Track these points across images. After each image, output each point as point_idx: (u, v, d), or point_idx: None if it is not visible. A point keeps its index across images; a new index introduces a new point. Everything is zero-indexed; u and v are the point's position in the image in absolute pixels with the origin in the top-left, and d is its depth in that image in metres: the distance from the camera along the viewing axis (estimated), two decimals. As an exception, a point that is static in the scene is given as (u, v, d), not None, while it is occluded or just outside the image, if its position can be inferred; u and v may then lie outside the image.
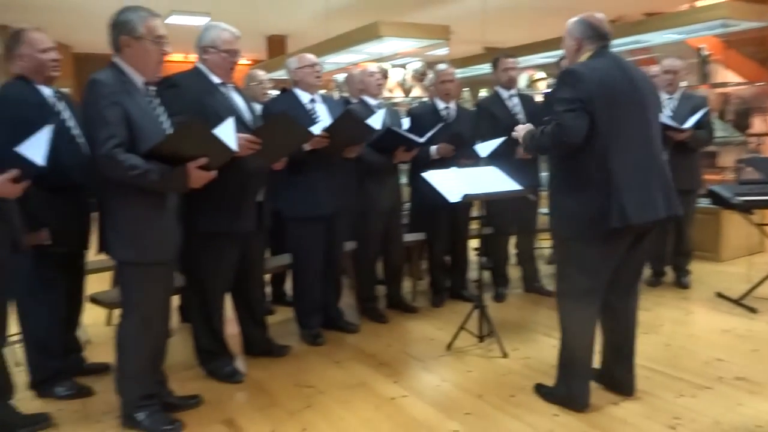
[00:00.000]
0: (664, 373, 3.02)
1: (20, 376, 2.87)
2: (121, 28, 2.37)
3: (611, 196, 2.37)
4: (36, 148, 2.15)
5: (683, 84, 4.55)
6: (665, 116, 4.14)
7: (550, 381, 2.77)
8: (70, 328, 3.08)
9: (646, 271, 4.59)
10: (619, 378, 2.75)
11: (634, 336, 2.71)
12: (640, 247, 2.59)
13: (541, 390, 2.80)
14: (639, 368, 2.80)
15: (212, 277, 2.98)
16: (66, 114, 2.77)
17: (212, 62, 2.92)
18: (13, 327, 2.59)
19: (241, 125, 2.88)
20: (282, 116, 2.92)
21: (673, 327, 3.72)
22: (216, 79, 2.93)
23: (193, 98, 2.79)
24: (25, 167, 2.12)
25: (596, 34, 2.53)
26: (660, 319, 3.86)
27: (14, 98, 2.65)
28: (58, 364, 2.91)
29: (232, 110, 2.89)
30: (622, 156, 2.39)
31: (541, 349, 3.38)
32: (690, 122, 4.09)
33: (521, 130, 2.75)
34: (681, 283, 4.53)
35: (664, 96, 4.37)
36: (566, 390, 2.64)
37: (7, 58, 2.75)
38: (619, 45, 5.71)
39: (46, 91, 2.77)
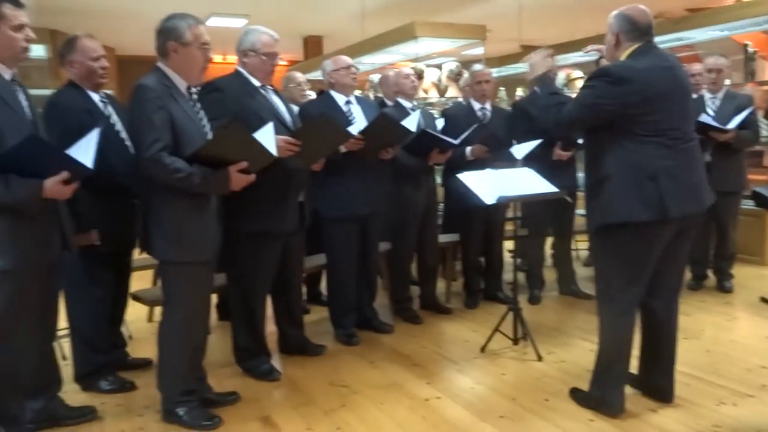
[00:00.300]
0: (704, 379, 2.96)
1: (66, 369, 2.97)
2: (168, 34, 2.44)
3: (649, 189, 2.35)
4: (85, 151, 2.23)
5: (727, 82, 4.43)
6: (708, 116, 4.04)
7: (585, 385, 2.74)
8: (115, 324, 3.19)
9: (687, 275, 4.49)
10: (658, 384, 2.70)
11: (675, 341, 2.66)
12: (681, 247, 2.54)
13: (576, 394, 2.78)
14: (678, 374, 2.75)
15: (255, 277, 3.04)
16: (113, 117, 2.88)
17: (252, 65, 2.97)
18: (61, 322, 2.69)
19: (282, 127, 2.94)
20: (321, 117, 2.96)
21: (715, 332, 3.64)
22: (256, 82, 2.98)
23: (235, 101, 2.85)
24: (74, 169, 2.20)
25: (635, 29, 2.45)
26: (701, 324, 3.78)
27: (65, 104, 2.78)
28: (103, 358, 3.01)
29: (272, 112, 2.94)
30: (662, 153, 2.37)
31: (577, 352, 3.35)
32: (734, 122, 3.98)
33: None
34: (723, 287, 4.42)
35: (707, 95, 4.27)
36: (601, 394, 2.61)
37: (61, 64, 2.89)
38: (660, 42, 5.56)
39: (95, 96, 2.88)
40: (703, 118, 3.92)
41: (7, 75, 2.24)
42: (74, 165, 2.19)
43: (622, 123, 2.39)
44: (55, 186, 2.18)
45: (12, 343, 2.26)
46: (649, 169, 2.37)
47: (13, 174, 2.11)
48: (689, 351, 3.27)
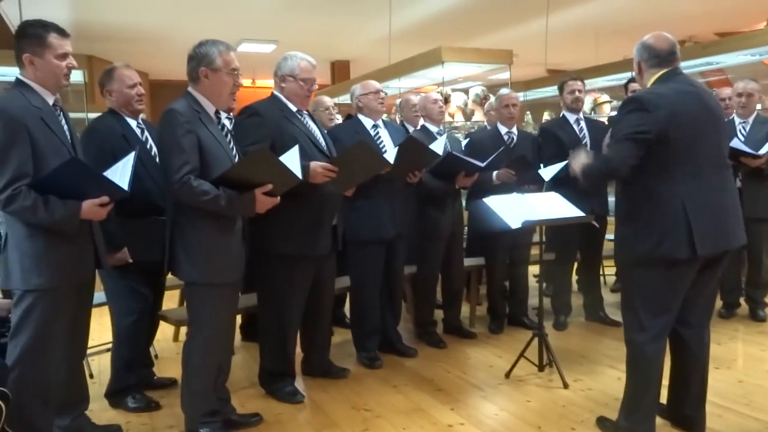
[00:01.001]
0: (737, 411, 2.87)
1: (93, 387, 3.01)
2: (200, 60, 2.51)
3: (679, 224, 2.30)
4: (121, 174, 2.30)
5: (758, 107, 4.37)
6: (738, 141, 3.98)
7: (613, 414, 2.68)
8: (147, 343, 3.23)
9: (719, 303, 4.39)
10: (689, 415, 2.63)
11: (706, 371, 2.59)
12: (711, 277, 2.49)
13: (603, 423, 2.71)
14: (710, 405, 2.67)
15: (288, 300, 3.05)
16: (150, 142, 2.98)
17: (290, 90, 3.03)
18: (89, 340, 2.74)
19: (317, 152, 2.99)
20: (361, 145, 3.00)
21: (748, 362, 3.53)
22: (293, 107, 3.04)
23: (274, 125, 2.91)
24: (111, 192, 2.27)
25: (654, 56, 2.44)
26: (733, 353, 3.67)
27: (102, 130, 2.91)
28: (133, 378, 3.06)
29: (309, 137, 3.00)
30: (693, 183, 2.33)
31: (604, 380, 3.28)
32: (765, 148, 3.91)
33: (577, 166, 2.60)
34: (756, 315, 4.30)
35: (737, 120, 4.21)
36: (629, 425, 2.54)
37: (101, 93, 3.04)
38: (689, 67, 5.54)
39: (132, 123, 3.00)
40: (735, 143, 3.87)
41: (50, 100, 2.33)
42: (112, 187, 2.26)
43: (653, 151, 2.34)
44: (92, 207, 2.25)
45: (45, 360, 2.30)
46: (676, 200, 2.31)
47: (53, 195, 2.19)
48: (721, 381, 3.18)
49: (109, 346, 3.19)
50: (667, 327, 2.46)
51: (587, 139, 4.01)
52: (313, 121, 3.16)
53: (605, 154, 2.48)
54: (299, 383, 3.26)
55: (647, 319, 2.44)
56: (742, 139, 4.07)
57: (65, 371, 2.45)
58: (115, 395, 3.04)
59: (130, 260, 2.83)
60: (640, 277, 2.44)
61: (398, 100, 7.11)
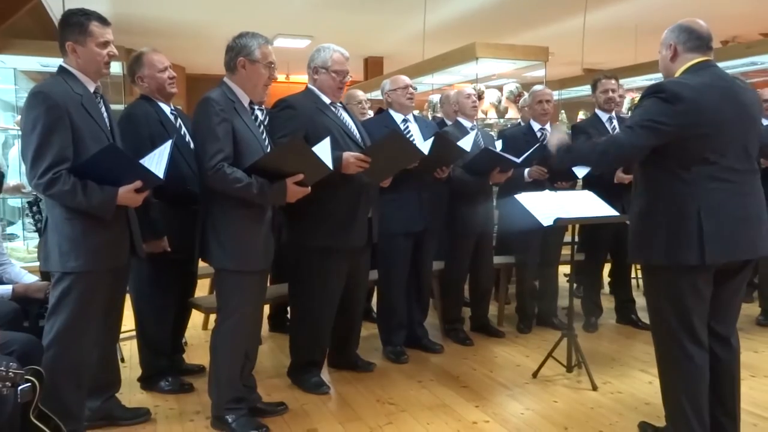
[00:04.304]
0: (773, 421, 2.78)
1: (124, 372, 3.07)
2: (239, 50, 2.54)
3: (691, 229, 2.18)
4: (158, 162, 2.34)
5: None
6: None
7: (641, 418, 2.64)
8: (179, 331, 3.30)
9: (757, 310, 4.26)
10: (722, 423, 2.53)
11: (736, 380, 2.46)
12: (736, 282, 2.36)
13: (645, 429, 2.63)
14: (744, 413, 2.59)
15: (323, 292, 3.05)
16: (183, 129, 3.01)
17: (322, 82, 3.04)
18: (122, 325, 2.80)
19: (352, 143, 2.99)
20: (394, 135, 3.00)
21: (786, 372, 3.42)
22: (327, 99, 3.04)
23: (307, 118, 2.92)
24: (147, 179, 2.31)
25: (695, 37, 2.26)
26: (770, 362, 3.56)
27: (138, 116, 2.92)
28: (165, 362, 3.12)
29: (343, 129, 3.02)
30: (712, 186, 2.19)
31: (634, 384, 3.21)
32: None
33: (554, 139, 2.51)
34: (795, 323, 4.15)
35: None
36: None
37: (132, 81, 3.05)
38: (733, 67, 5.38)
39: (166, 109, 3.01)
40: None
41: (91, 87, 2.39)
42: (147, 174, 2.30)
43: (671, 148, 2.22)
44: (128, 194, 2.29)
45: (79, 342, 2.36)
46: (693, 204, 2.18)
47: (91, 180, 2.24)
48: (757, 390, 3.08)
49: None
50: (696, 332, 2.32)
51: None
52: (348, 113, 3.16)
53: (615, 136, 2.34)
54: (325, 375, 3.28)
55: (674, 325, 2.31)
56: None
57: (98, 354, 2.50)
58: (147, 380, 3.11)
59: (169, 249, 2.87)
60: (659, 284, 2.33)
61: (430, 97, 7.09)
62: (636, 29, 7.80)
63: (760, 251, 2.27)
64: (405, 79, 3.59)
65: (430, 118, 5.93)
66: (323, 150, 2.54)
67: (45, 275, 2.76)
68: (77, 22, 2.31)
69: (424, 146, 3.24)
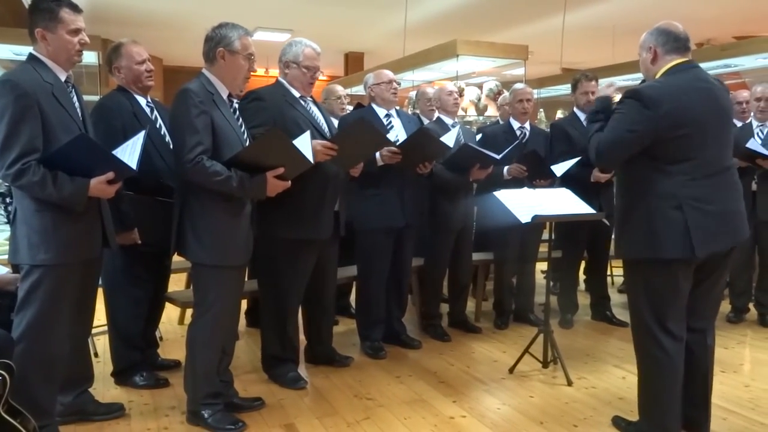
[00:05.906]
0: (742, 415, 2.84)
1: (97, 366, 3.02)
2: (219, 40, 2.51)
3: (676, 227, 2.24)
4: (130, 153, 2.29)
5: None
6: (755, 142, 3.93)
7: (615, 413, 2.68)
8: (152, 325, 3.25)
9: (728, 307, 4.35)
10: (693, 417, 2.59)
11: (709, 375, 2.53)
12: (716, 277, 2.43)
13: (618, 423, 2.67)
14: (715, 408, 2.64)
15: (290, 284, 3.05)
16: (159, 121, 2.96)
17: (293, 76, 3.02)
18: (94, 319, 2.75)
19: (319, 136, 2.97)
20: (360, 122, 2.99)
21: (755, 367, 3.50)
22: (296, 93, 3.03)
23: (275, 110, 2.90)
24: (119, 170, 2.26)
25: (674, 39, 2.32)
26: (740, 358, 3.64)
27: (111, 107, 2.87)
28: (139, 355, 3.07)
29: (311, 122, 2.99)
30: (694, 185, 2.26)
31: (608, 379, 3.25)
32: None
33: (609, 90, 2.60)
34: (765, 321, 4.25)
35: (754, 123, 4.16)
36: (648, 427, 2.48)
37: (109, 71, 2.99)
38: (707, 69, 5.45)
39: (142, 101, 2.97)
40: (751, 143, 3.82)
41: (63, 76, 2.33)
42: (119, 165, 2.25)
43: (654, 147, 2.27)
44: (99, 185, 2.24)
45: (49, 336, 2.31)
46: (675, 199, 2.25)
47: (62, 171, 2.18)
48: (727, 385, 3.15)
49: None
50: (674, 328, 2.39)
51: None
52: (318, 107, 3.15)
53: (600, 138, 2.38)
54: (302, 370, 3.26)
55: (653, 321, 2.37)
56: (760, 142, 4.02)
57: (70, 348, 2.46)
58: (121, 374, 3.06)
59: (140, 241, 2.83)
60: (641, 280, 2.39)
61: (412, 93, 7.09)
62: (614, 29, 7.89)
63: (740, 236, 2.37)
64: (389, 74, 3.58)
65: (410, 114, 5.93)
66: (304, 143, 2.52)
67: (15, 267, 2.70)
68: (47, 8, 2.25)
69: (392, 135, 3.22)
